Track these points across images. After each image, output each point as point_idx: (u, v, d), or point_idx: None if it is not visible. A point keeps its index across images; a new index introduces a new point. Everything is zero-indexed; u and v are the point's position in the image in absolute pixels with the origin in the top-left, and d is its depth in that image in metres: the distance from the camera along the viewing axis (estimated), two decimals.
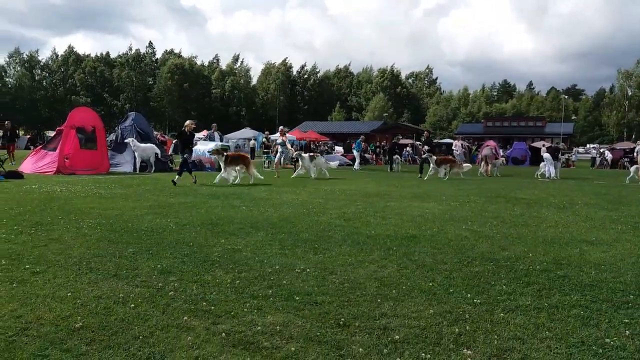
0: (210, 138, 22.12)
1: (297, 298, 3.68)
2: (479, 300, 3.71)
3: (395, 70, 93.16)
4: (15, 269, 4.22)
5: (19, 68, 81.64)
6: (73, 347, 2.72)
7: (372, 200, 10.17)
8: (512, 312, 3.47)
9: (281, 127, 20.28)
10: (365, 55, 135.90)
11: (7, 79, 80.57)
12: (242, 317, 3.28)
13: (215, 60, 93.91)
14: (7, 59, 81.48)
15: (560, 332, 3.12)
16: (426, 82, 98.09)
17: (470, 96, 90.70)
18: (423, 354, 2.76)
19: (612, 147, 39.08)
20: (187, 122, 13.64)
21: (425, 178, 17.57)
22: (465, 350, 2.83)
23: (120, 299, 3.54)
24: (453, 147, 29.82)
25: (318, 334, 3.02)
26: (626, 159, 32.04)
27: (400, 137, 36.42)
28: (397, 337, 2.99)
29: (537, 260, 5.00)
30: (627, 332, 3.14)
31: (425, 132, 20.32)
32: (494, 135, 52.21)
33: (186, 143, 13.46)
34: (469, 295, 3.84)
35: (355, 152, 25.18)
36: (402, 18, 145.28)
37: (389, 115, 75.09)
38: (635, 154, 25.84)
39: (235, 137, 43.51)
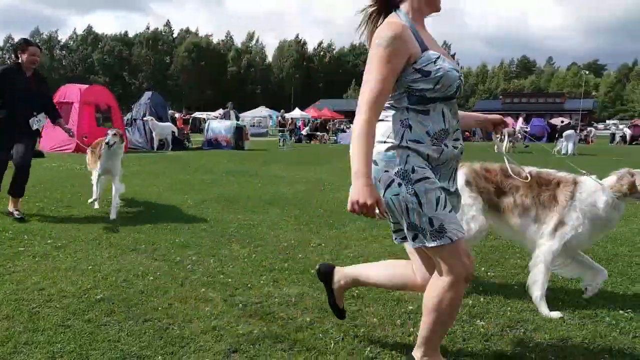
0: (226, 116, 22.17)
1: (312, 271, 3.71)
2: (493, 274, 3.73)
3: None
4: (38, 244, 4.33)
5: None
6: (94, 318, 2.80)
7: None
8: (526, 286, 3.47)
9: None
10: None
11: None
12: (258, 289, 3.34)
13: (229, 38, 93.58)
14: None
15: (574, 304, 3.13)
16: None
17: (489, 72, 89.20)
18: None
19: (634, 124, 38.19)
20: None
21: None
22: (479, 321, 2.86)
23: (139, 272, 3.63)
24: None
25: None
26: None
27: None
28: (411, 307, 3.02)
29: None
30: None
31: None
32: (512, 111, 51.36)
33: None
34: (483, 268, 3.86)
35: None
36: None
37: None
38: None
39: (251, 115, 43.52)
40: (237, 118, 23.11)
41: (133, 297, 3.13)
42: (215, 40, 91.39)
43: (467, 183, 3.24)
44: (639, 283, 3.56)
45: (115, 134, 5.70)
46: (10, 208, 5.41)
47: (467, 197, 3.16)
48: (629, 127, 36.35)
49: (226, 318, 2.84)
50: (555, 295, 3.27)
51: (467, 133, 36.37)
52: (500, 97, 67.51)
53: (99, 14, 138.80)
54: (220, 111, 27.22)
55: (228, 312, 2.93)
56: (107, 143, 5.61)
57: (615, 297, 3.27)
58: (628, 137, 33.90)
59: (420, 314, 2.92)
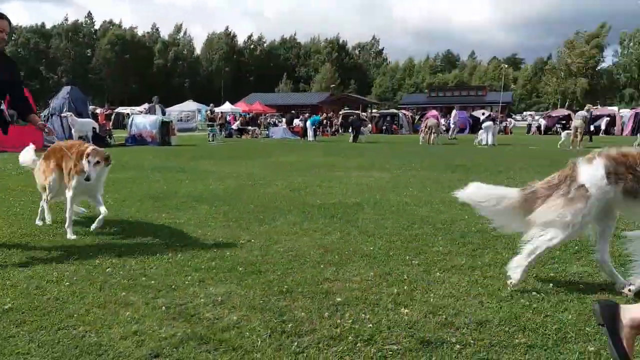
0: (152, 111, 21.38)
1: (241, 269, 3.67)
2: (417, 262, 3.82)
3: (342, 40, 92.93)
4: None
5: None
6: (1, 330, 2.61)
7: (319, 171, 10.21)
8: (448, 272, 3.60)
9: None
10: (316, 25, 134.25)
11: None
12: (183, 290, 3.24)
13: (154, 30, 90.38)
14: None
15: (492, 288, 3.28)
16: (372, 52, 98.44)
17: (415, 67, 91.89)
18: (363, 315, 2.83)
19: (548, 115, 40.72)
20: None
21: None
22: (403, 309, 2.92)
23: (54, 277, 3.41)
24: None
25: (261, 302, 3.03)
26: (559, 126, 33.62)
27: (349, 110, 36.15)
28: (339, 299, 3.04)
29: (473, 222, 5.19)
30: (550, 284, 3.33)
31: None
32: (437, 105, 53.26)
33: None
34: (407, 257, 3.95)
35: (309, 124, 25.48)
36: None
37: (335, 86, 75.02)
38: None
39: (178, 109, 42.21)
40: (163, 113, 22.36)
41: (46, 305, 2.94)
42: (140, 32, 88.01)
43: (608, 175, 3.05)
44: (550, 265, 3.79)
45: (98, 162, 4.42)
46: None
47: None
48: (543, 118, 38.81)
49: (148, 322, 2.73)
50: (475, 279, 3.41)
51: (394, 126, 37.29)
52: (426, 90, 69.72)
53: (13, 4, 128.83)
54: (145, 106, 26.22)
55: (150, 316, 2.81)
56: (86, 179, 4.38)
57: (529, 280, 3.45)
58: (543, 128, 36.22)
59: (348, 305, 2.96)
